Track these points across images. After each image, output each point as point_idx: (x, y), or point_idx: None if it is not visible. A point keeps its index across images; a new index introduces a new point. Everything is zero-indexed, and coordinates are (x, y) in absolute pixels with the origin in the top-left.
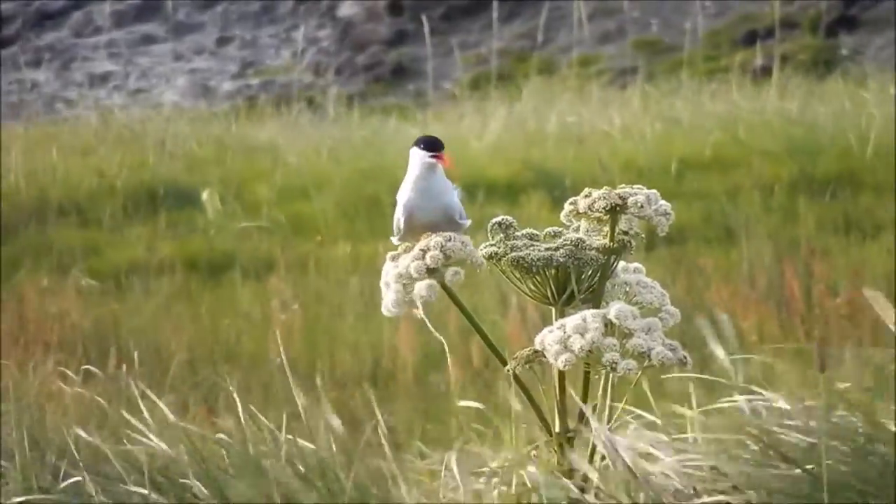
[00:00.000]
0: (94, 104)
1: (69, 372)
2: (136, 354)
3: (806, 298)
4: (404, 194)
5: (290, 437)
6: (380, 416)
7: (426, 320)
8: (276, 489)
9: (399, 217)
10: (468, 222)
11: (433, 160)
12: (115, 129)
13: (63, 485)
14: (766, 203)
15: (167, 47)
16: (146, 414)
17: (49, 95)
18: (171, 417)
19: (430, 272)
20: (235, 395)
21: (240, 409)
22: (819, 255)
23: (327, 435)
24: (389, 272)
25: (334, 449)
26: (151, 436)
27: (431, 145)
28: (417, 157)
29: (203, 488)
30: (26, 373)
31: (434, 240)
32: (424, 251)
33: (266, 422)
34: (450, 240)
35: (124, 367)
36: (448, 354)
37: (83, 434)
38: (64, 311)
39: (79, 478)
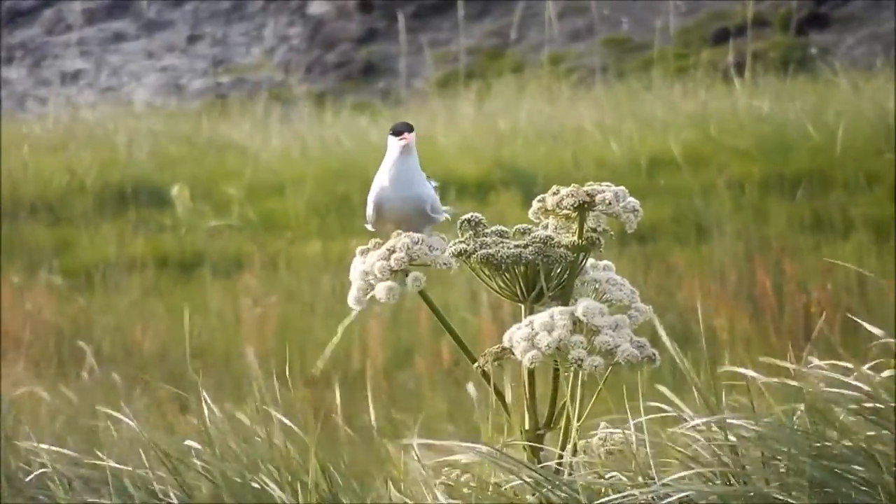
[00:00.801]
0: (66, 102)
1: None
2: (105, 351)
3: (777, 296)
4: (378, 181)
5: (259, 435)
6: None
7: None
8: (244, 489)
9: (370, 202)
10: (442, 216)
11: (402, 142)
12: (85, 127)
13: (28, 479)
14: (737, 201)
15: (138, 45)
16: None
17: (20, 93)
18: (134, 425)
19: (394, 273)
20: (203, 392)
21: (206, 408)
22: (790, 253)
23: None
24: (357, 267)
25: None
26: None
27: (398, 129)
28: (389, 144)
29: (170, 492)
30: None
31: (402, 241)
32: (391, 251)
33: (245, 419)
34: (418, 242)
35: (95, 364)
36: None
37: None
38: (35, 308)
39: (44, 469)
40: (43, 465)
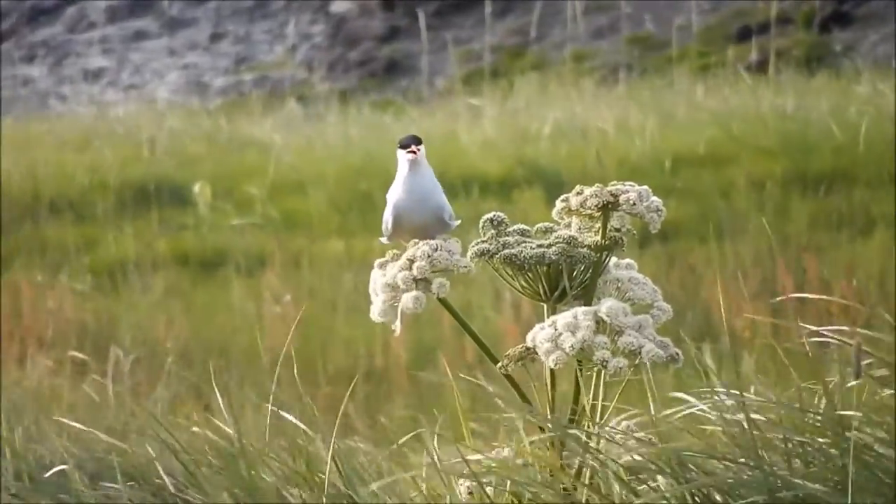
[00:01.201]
0: (88, 100)
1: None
2: (128, 350)
3: (799, 295)
4: (393, 195)
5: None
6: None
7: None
8: (259, 487)
9: (388, 217)
10: (457, 222)
11: (410, 155)
12: (108, 125)
13: (48, 474)
14: (760, 199)
15: (160, 43)
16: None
17: (43, 91)
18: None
19: (417, 282)
20: (217, 392)
21: (222, 404)
22: (812, 252)
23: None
24: (377, 280)
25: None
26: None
27: (405, 143)
28: (399, 158)
29: (185, 486)
30: (22, 368)
31: (421, 249)
32: (411, 261)
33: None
34: (437, 249)
35: (118, 362)
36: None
37: (76, 425)
38: (58, 307)
39: (64, 466)
40: (63, 462)
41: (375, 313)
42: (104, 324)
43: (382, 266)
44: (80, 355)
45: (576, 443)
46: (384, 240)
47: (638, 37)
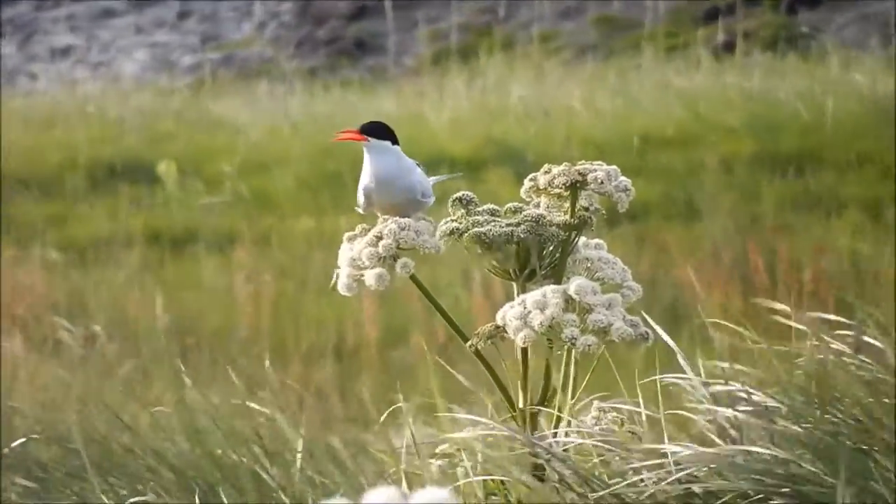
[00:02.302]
0: (57, 78)
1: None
2: (100, 326)
3: (770, 275)
4: (363, 177)
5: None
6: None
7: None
8: (227, 463)
9: (359, 196)
10: (432, 199)
11: (359, 141)
12: (77, 103)
13: (13, 444)
14: (728, 180)
15: (128, 20)
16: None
17: (11, 69)
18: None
19: (383, 260)
20: (182, 368)
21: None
22: (782, 232)
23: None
24: (345, 254)
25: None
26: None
27: (361, 129)
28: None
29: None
30: None
31: (389, 227)
32: (378, 238)
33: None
34: (404, 228)
35: (89, 338)
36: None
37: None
38: (30, 283)
39: (26, 438)
40: (32, 434)
41: (340, 286)
42: (75, 300)
43: (351, 239)
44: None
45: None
46: (360, 210)
47: (605, 17)
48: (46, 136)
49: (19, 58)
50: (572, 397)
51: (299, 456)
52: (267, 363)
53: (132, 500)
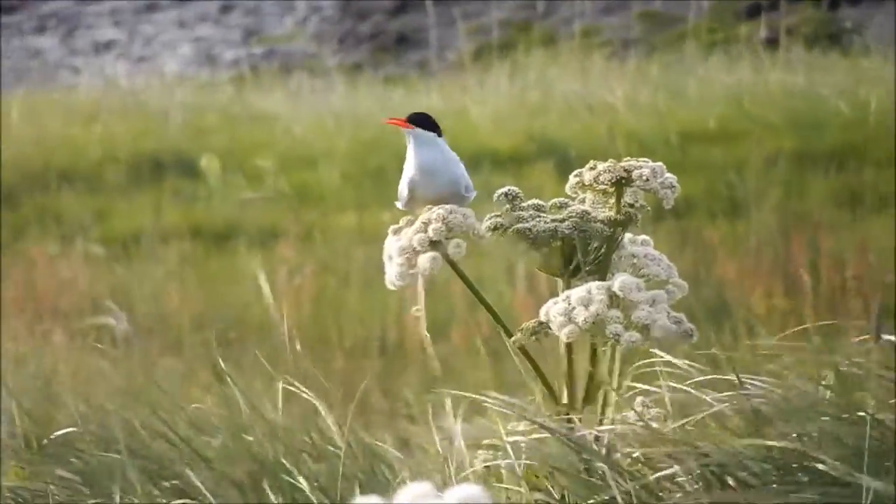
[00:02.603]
0: (99, 72)
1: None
2: (141, 320)
3: (813, 272)
4: (406, 169)
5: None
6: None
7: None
8: (265, 462)
9: (402, 189)
10: (473, 194)
11: (405, 129)
12: (119, 97)
13: (53, 436)
14: (771, 176)
15: (171, 15)
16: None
17: (53, 63)
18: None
19: (433, 245)
20: (223, 366)
21: (230, 381)
22: (825, 229)
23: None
24: (392, 245)
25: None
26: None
27: (409, 118)
28: (405, 133)
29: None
30: (35, 338)
31: (436, 212)
32: (426, 224)
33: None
34: (451, 212)
35: (133, 333)
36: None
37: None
38: (71, 277)
39: (72, 429)
40: (73, 426)
41: (391, 278)
42: (117, 294)
43: (397, 232)
44: (94, 322)
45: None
46: (399, 205)
47: (648, 13)
48: (89, 131)
49: (62, 51)
50: (616, 392)
51: (342, 452)
52: (294, 353)
53: (176, 502)
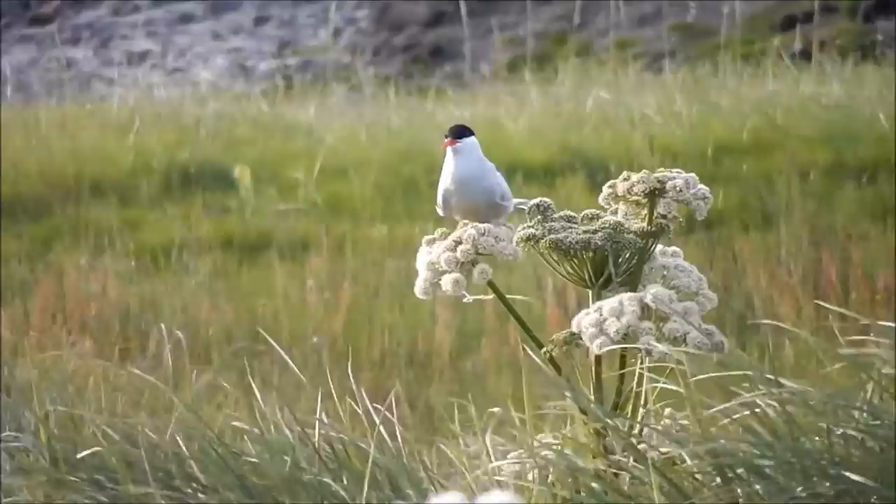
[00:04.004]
0: (132, 83)
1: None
2: (169, 334)
3: (843, 284)
4: (443, 178)
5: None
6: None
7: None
8: (297, 476)
9: (438, 199)
10: (511, 204)
11: (447, 146)
12: (152, 108)
13: (81, 455)
14: (804, 188)
15: (205, 26)
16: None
17: (87, 74)
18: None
19: (461, 265)
20: (252, 381)
21: (258, 396)
22: (856, 241)
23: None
24: (423, 258)
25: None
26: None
27: (449, 132)
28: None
29: (205, 479)
30: (63, 349)
31: (468, 232)
32: (457, 243)
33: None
34: (484, 233)
35: (160, 345)
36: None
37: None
38: (102, 289)
39: (97, 448)
40: (99, 444)
41: (417, 290)
42: (147, 306)
43: (430, 243)
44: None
45: (616, 434)
46: (439, 211)
47: (682, 25)
48: (122, 142)
49: (95, 63)
50: (645, 404)
51: (368, 467)
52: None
53: None
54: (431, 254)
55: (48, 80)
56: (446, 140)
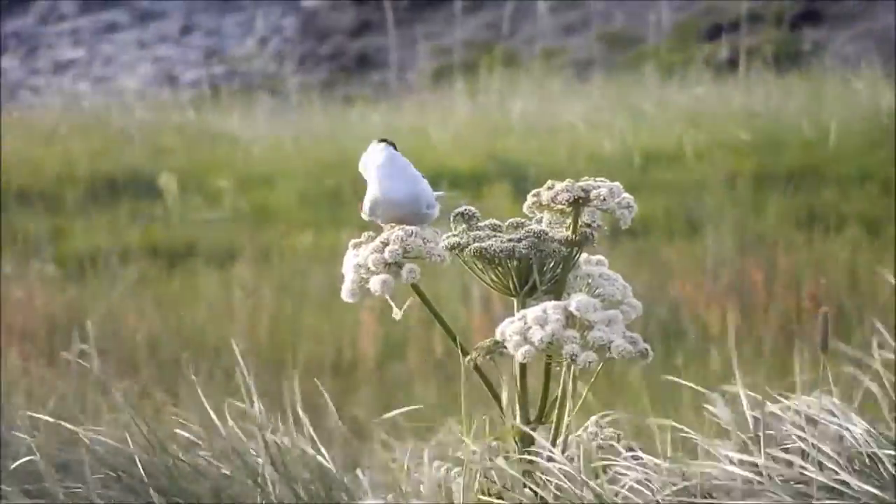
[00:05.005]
0: (58, 92)
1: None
2: (97, 341)
3: (768, 291)
4: (370, 186)
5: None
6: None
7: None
8: (233, 484)
9: (365, 204)
10: (436, 211)
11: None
12: (78, 116)
13: (14, 465)
14: (730, 196)
15: (131, 35)
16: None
17: (13, 83)
18: (126, 406)
19: (388, 266)
20: (196, 383)
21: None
22: (783, 249)
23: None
24: (350, 260)
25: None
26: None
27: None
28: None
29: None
30: None
31: (395, 233)
32: (385, 244)
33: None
34: (411, 234)
35: (85, 353)
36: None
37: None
38: (27, 297)
39: (32, 457)
40: (31, 453)
41: (344, 293)
42: (74, 314)
43: (356, 246)
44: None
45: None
46: (365, 215)
47: (608, 33)
48: (47, 150)
49: (22, 71)
50: (570, 413)
51: (306, 472)
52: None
53: None
54: (359, 256)
55: None
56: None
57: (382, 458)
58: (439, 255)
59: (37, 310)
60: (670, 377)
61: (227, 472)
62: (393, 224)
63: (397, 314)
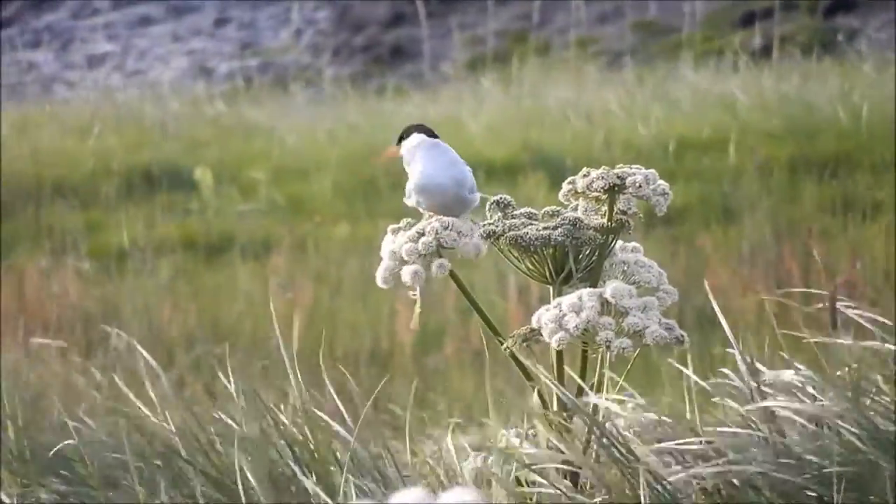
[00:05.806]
0: (93, 85)
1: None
2: (130, 335)
3: (804, 278)
4: (412, 176)
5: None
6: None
7: (417, 301)
8: (273, 470)
9: (408, 189)
10: (477, 197)
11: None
12: (112, 110)
13: (51, 452)
14: (765, 183)
15: (165, 28)
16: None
17: (48, 77)
18: (170, 394)
19: (422, 257)
20: (230, 375)
21: (233, 388)
22: (817, 236)
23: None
24: (387, 245)
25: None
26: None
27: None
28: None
29: (202, 466)
30: (26, 351)
31: (432, 224)
32: (420, 234)
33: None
34: (447, 227)
35: (119, 346)
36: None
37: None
38: (63, 291)
39: (70, 441)
40: (69, 440)
41: (379, 278)
42: (109, 308)
43: (395, 232)
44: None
45: (582, 416)
46: (407, 201)
47: (642, 22)
48: (82, 144)
49: (56, 66)
50: (605, 398)
51: (347, 462)
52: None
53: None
54: (395, 243)
55: (9, 84)
56: (392, 149)
57: (420, 448)
58: (473, 251)
59: (73, 303)
60: (675, 365)
61: (276, 464)
62: (432, 214)
63: (415, 324)
